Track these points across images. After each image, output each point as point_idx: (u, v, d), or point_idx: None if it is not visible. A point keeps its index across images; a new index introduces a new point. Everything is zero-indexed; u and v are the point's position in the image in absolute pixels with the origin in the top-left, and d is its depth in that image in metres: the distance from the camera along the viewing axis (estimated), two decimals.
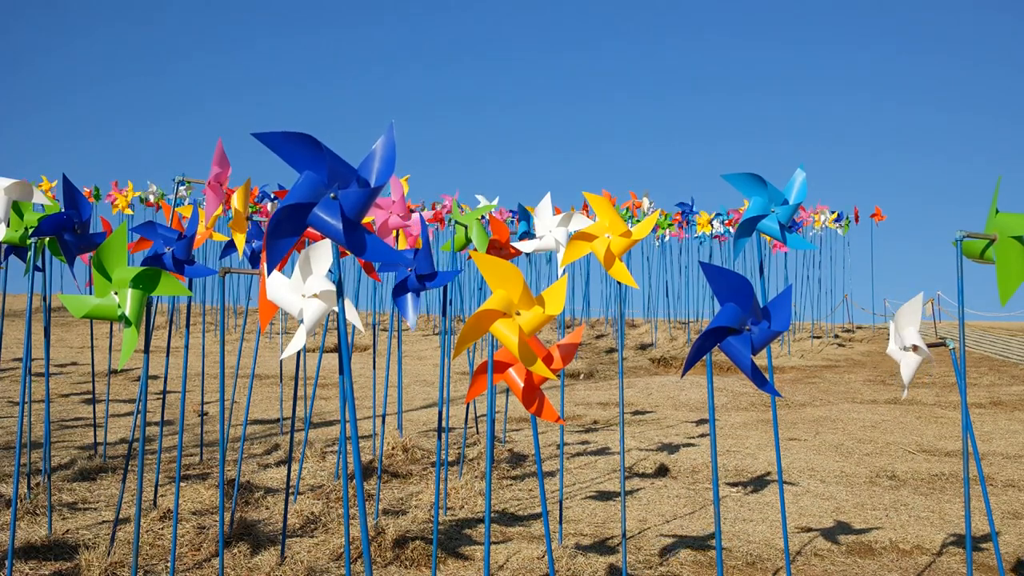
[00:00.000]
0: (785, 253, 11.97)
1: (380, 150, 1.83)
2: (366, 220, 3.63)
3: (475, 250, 3.55)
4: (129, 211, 10.26)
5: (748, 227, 2.70)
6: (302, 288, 2.30)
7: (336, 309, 2.30)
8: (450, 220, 7.95)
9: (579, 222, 3.61)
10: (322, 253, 2.26)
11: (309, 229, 1.93)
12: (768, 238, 9.93)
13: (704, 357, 2.06)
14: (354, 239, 1.78)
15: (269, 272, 1.76)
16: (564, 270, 4.82)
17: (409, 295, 3.01)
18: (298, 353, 2.94)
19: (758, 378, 2.03)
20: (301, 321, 2.30)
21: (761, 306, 2.03)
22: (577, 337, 2.26)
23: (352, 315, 2.34)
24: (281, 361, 6.06)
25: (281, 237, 1.77)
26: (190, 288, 3.41)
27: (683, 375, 2.02)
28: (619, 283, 3.33)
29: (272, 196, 8.38)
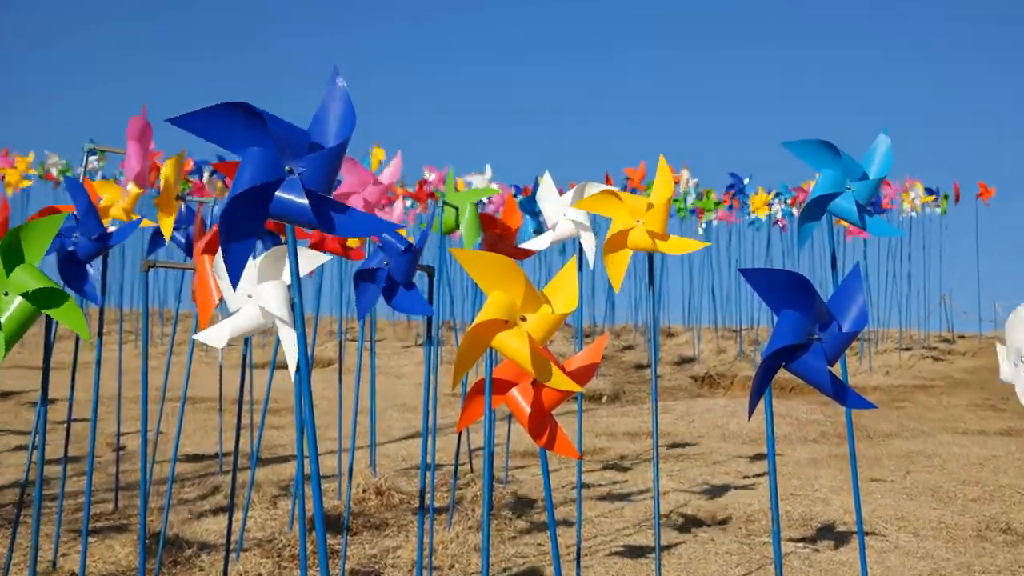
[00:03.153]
0: (865, 241, 11.94)
1: (330, 103, 1.83)
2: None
3: (462, 248, 3.52)
4: (26, 182, 10.30)
5: (817, 208, 2.70)
6: (253, 288, 2.32)
7: (277, 328, 2.34)
8: (438, 199, 7.96)
9: (592, 191, 3.63)
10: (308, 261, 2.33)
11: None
12: (842, 222, 9.92)
13: (751, 368, 2.05)
14: (325, 215, 1.79)
15: (234, 284, 1.77)
16: (573, 251, 4.82)
17: (401, 288, 3.00)
18: (243, 370, 2.94)
19: (841, 393, 2.02)
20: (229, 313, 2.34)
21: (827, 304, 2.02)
22: (598, 351, 2.25)
23: (291, 356, 2.34)
24: (220, 379, 6.07)
25: (240, 239, 1.77)
26: (103, 288, 3.40)
27: (749, 416, 2.02)
28: (649, 281, 3.32)
29: (211, 169, 8.38)
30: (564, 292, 2.06)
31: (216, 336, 2.39)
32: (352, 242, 4.10)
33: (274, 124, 1.78)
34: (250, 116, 1.76)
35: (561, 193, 3.84)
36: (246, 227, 1.79)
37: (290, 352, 2.32)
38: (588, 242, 3.63)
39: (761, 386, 1.98)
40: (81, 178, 3.89)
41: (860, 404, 2.05)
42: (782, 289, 1.97)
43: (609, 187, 3.04)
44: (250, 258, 2.44)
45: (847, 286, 2.04)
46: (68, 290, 3.10)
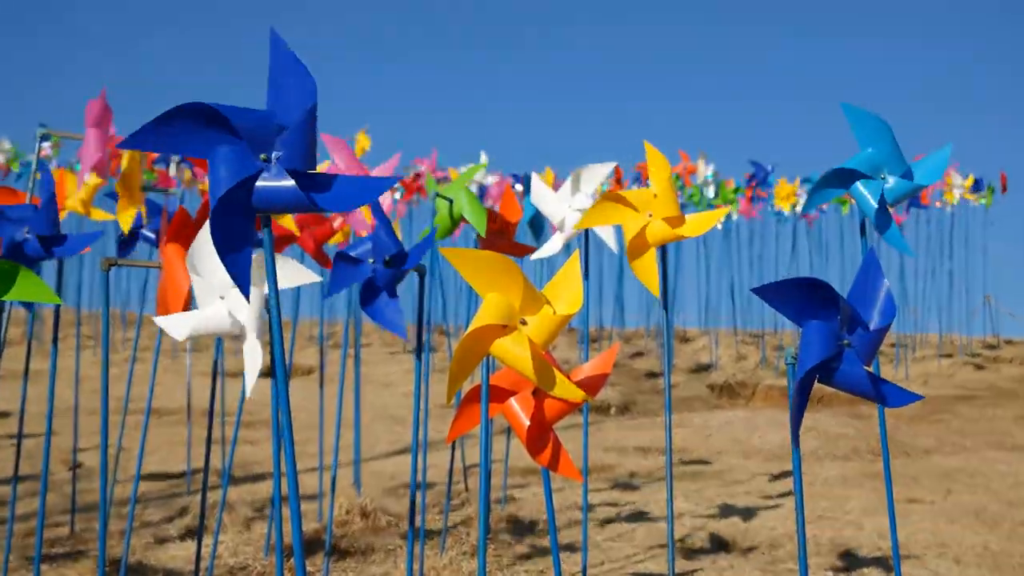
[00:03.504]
0: (901, 233, 11.93)
1: (281, 75, 1.83)
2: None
3: (445, 248, 3.50)
4: None
5: (840, 179, 2.67)
6: (228, 289, 2.32)
7: (245, 336, 2.35)
8: (428, 191, 7.96)
9: (592, 175, 3.63)
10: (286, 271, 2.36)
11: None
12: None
13: (790, 386, 2.06)
14: (317, 192, 1.81)
15: (246, 294, 1.79)
16: (576, 245, 4.83)
17: (383, 295, 3.00)
18: (214, 379, 2.93)
19: (886, 392, 2.02)
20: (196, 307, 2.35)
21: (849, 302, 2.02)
22: (609, 361, 2.25)
23: (250, 369, 2.34)
24: (189, 389, 6.07)
25: (236, 248, 1.79)
26: (59, 289, 3.40)
27: (794, 443, 2.00)
28: (664, 282, 3.32)
29: (179, 158, 8.36)
30: (567, 291, 2.05)
31: (178, 324, 2.39)
32: (338, 237, 4.09)
33: (236, 117, 1.78)
34: (208, 115, 1.76)
35: (559, 188, 3.84)
36: (238, 232, 1.81)
37: (250, 364, 2.32)
38: (606, 230, 3.62)
39: (800, 410, 1.98)
40: (34, 167, 3.89)
41: (906, 398, 2.04)
42: (800, 300, 1.97)
43: (611, 191, 3.04)
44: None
45: (865, 275, 2.04)
46: None
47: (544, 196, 3.78)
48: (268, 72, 1.83)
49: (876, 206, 2.67)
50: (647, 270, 3.04)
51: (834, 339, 1.99)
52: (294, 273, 2.45)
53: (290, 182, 1.79)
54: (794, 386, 1.98)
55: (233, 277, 1.81)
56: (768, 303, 1.97)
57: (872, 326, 2.01)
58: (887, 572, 4.51)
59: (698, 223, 3.08)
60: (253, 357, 2.34)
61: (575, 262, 2.06)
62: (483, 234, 3.63)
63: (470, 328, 1.98)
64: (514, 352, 1.98)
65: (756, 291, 1.95)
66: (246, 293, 1.82)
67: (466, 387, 2.19)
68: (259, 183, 1.80)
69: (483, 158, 8.45)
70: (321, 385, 4.91)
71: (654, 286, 3.04)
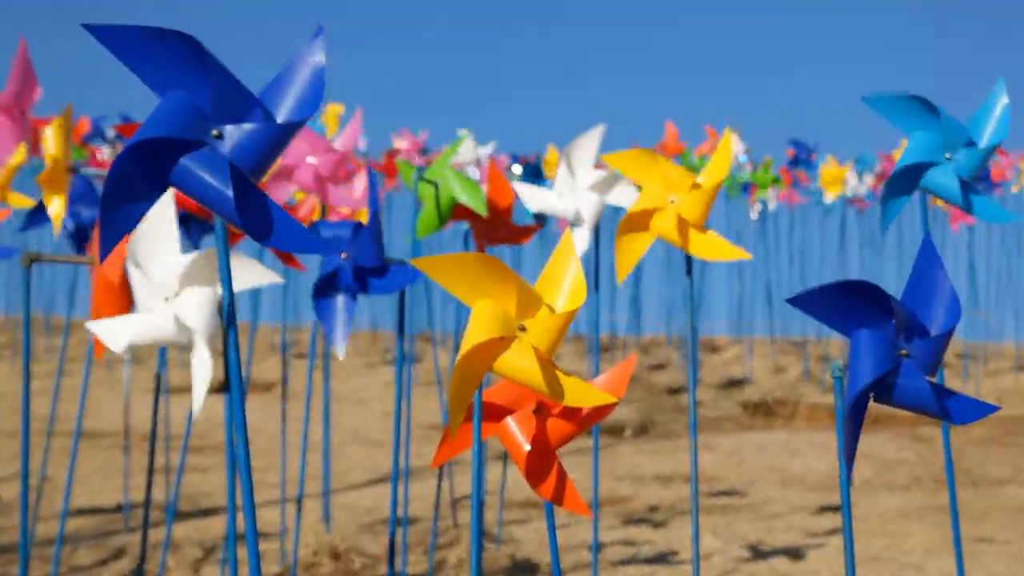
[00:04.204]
0: (971, 228, 11.93)
1: (300, 67, 1.81)
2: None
3: (418, 259, 3.44)
4: None
5: (905, 180, 2.69)
6: (174, 290, 2.33)
7: (194, 345, 2.36)
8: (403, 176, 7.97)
9: (623, 191, 3.62)
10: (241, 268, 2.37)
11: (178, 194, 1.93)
12: (940, 202, 9.87)
13: (837, 404, 2.05)
14: (249, 211, 1.76)
15: (102, 256, 1.75)
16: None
17: (340, 299, 3.00)
18: (157, 396, 2.93)
19: (953, 406, 2.01)
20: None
21: (906, 307, 2.02)
22: (623, 380, 2.23)
23: (199, 383, 2.35)
24: (127, 408, 6.07)
25: (126, 202, 1.75)
26: None
27: (844, 472, 1.99)
28: (689, 281, 3.31)
29: (114, 134, 8.35)
30: (565, 282, 2.04)
31: (115, 332, 2.39)
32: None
33: (217, 73, 1.76)
34: (191, 54, 1.74)
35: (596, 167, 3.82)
36: (139, 188, 1.75)
37: (199, 378, 2.32)
38: (624, 196, 3.61)
39: (854, 438, 1.97)
40: None
41: (978, 411, 2.02)
42: (845, 307, 1.96)
43: (633, 151, 3.01)
44: (180, 253, 2.44)
45: (921, 268, 2.01)
46: None
47: (538, 198, 3.76)
48: (290, 59, 1.82)
49: (958, 191, 2.68)
50: (627, 254, 3.00)
51: (889, 349, 1.97)
52: (251, 273, 2.44)
53: (223, 184, 1.73)
54: (844, 408, 1.97)
55: (102, 230, 1.73)
56: (811, 315, 1.96)
57: (934, 330, 2.00)
58: None
59: (711, 247, 3.03)
60: (203, 369, 2.34)
61: (567, 243, 2.03)
62: (483, 213, 3.63)
63: (463, 348, 1.96)
64: (519, 365, 1.96)
65: (792, 301, 1.94)
66: (102, 255, 1.76)
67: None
68: (189, 158, 1.76)
69: (462, 133, 8.44)
70: (284, 402, 4.90)
71: (623, 271, 3.00)
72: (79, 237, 4.18)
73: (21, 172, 4.23)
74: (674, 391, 11.24)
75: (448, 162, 3.80)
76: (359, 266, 3.01)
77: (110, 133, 8.43)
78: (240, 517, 5.64)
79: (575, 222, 3.77)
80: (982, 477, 7.47)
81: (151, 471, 3.43)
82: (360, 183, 4.97)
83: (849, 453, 1.99)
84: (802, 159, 11.49)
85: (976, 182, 2.74)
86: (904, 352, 1.99)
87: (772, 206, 12.43)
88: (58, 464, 6.75)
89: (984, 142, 2.70)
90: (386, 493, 6.59)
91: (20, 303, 2.86)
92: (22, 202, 4.35)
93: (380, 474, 7.19)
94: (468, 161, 8.82)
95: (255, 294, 5.79)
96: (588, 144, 3.69)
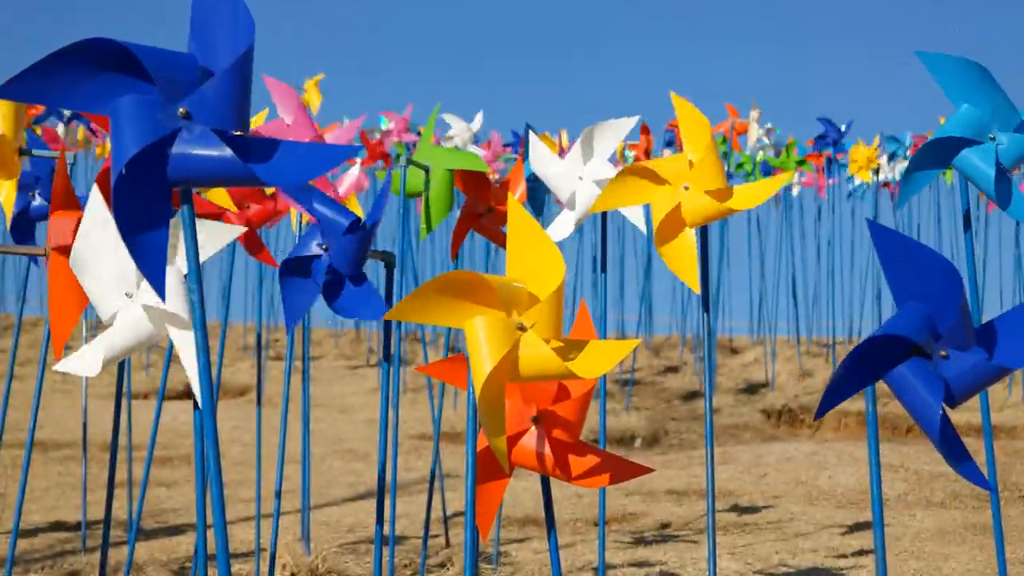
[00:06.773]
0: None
1: (209, 6, 1.81)
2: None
3: (390, 312, 3.42)
4: None
5: (940, 152, 2.67)
6: (134, 282, 2.30)
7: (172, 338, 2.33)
8: (398, 157, 7.99)
9: (609, 133, 3.61)
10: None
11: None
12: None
13: (869, 411, 2.03)
14: (251, 159, 1.81)
15: (158, 288, 1.77)
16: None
17: (306, 284, 3.00)
18: (118, 403, 2.90)
19: (952, 450, 2.01)
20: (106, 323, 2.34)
21: (973, 316, 2.01)
22: (588, 326, 2.25)
23: (191, 365, 2.34)
24: (85, 416, 6.06)
25: (146, 228, 1.79)
26: None
27: (817, 416, 1.99)
28: (705, 274, 3.30)
29: (74, 115, 8.34)
30: (535, 262, 2.04)
31: (85, 362, 2.35)
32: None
33: (148, 57, 1.77)
34: (113, 56, 1.74)
35: (563, 153, 3.82)
36: (152, 210, 1.80)
37: (193, 371, 2.30)
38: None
39: (840, 386, 1.95)
40: None
41: (977, 477, 2.02)
42: (918, 271, 1.94)
43: (636, 164, 3.02)
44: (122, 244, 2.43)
45: (1018, 315, 2.01)
46: None
47: (546, 161, 3.76)
48: (191, 6, 1.82)
49: (992, 178, 2.64)
50: (682, 258, 3.03)
51: (926, 332, 1.96)
52: (213, 235, 2.41)
53: (217, 151, 1.78)
54: (853, 353, 1.94)
55: (143, 271, 1.79)
56: (879, 252, 1.96)
57: (989, 359, 1.98)
58: None
59: (753, 193, 3.06)
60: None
61: (518, 212, 2.04)
62: (486, 170, 3.62)
63: (477, 372, 1.97)
64: (536, 360, 1.98)
65: (872, 226, 1.92)
66: (161, 293, 1.79)
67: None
68: (175, 149, 1.78)
69: (477, 122, 8.45)
70: (259, 410, 4.89)
71: (692, 279, 3.03)
72: (23, 225, 4.14)
73: None
74: (688, 397, 11.27)
75: (429, 140, 3.81)
76: (333, 268, 3.01)
77: (66, 114, 8.42)
78: (211, 535, 5.63)
79: (567, 204, 3.77)
80: None
81: (112, 485, 3.41)
82: (351, 176, 4.97)
83: (827, 403, 1.95)
84: (829, 139, 11.42)
85: (1011, 173, 2.71)
86: (944, 353, 1.98)
87: (796, 191, 12.37)
88: (9, 478, 6.76)
89: None
90: (371, 509, 6.58)
91: None
92: None
93: (364, 489, 7.21)
94: (466, 141, 8.84)
95: (226, 289, 5.76)
96: (616, 131, 3.69)
